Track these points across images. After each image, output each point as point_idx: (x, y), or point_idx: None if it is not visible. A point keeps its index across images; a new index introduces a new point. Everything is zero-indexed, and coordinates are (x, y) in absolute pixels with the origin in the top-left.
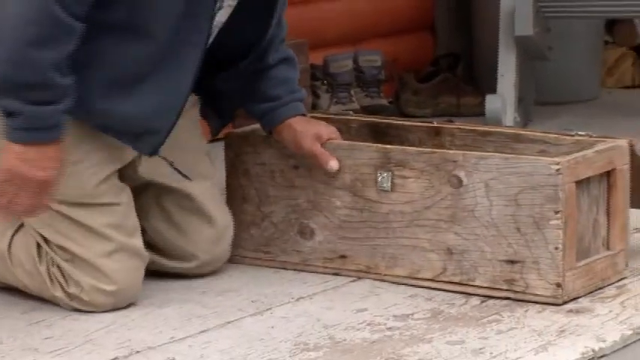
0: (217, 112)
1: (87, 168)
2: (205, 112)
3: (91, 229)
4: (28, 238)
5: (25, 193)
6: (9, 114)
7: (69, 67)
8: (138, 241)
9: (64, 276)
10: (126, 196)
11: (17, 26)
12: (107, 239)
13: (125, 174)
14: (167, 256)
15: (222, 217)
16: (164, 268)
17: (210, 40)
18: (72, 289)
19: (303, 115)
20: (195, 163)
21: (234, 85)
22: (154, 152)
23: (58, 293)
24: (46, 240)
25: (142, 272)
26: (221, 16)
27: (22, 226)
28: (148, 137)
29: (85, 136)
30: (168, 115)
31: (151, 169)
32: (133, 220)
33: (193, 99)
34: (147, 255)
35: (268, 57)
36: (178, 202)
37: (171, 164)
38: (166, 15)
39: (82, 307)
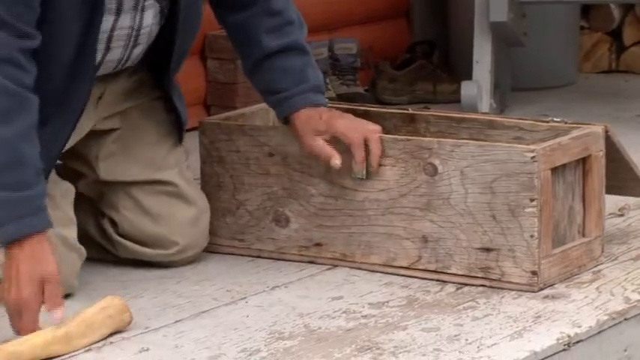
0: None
1: None
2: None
3: None
4: None
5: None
6: None
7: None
8: (70, 233)
9: None
10: (60, 191)
11: None
12: None
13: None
14: (146, 245)
15: (201, 198)
16: (144, 257)
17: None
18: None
19: (315, 105)
20: (166, 154)
21: (247, 75)
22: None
23: None
24: None
25: (76, 265)
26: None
27: None
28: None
29: None
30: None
31: (112, 170)
32: (68, 214)
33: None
34: (83, 251)
35: (263, 44)
36: (151, 190)
37: None
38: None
39: None
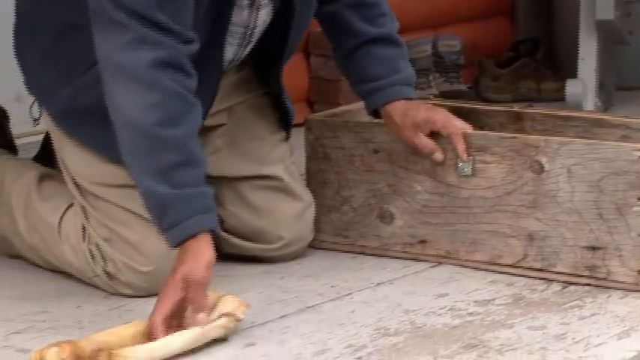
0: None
1: None
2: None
3: (129, 210)
4: (77, 215)
5: (189, 294)
6: (155, 209)
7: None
8: None
9: (102, 255)
10: None
11: (140, 111)
12: (143, 219)
13: None
14: (251, 240)
15: (306, 193)
16: (248, 252)
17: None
18: (110, 268)
19: (408, 98)
20: (271, 149)
21: (339, 66)
22: None
23: (99, 270)
24: (87, 218)
25: None
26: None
27: (73, 204)
28: None
29: None
30: None
31: (217, 165)
32: None
33: (258, 91)
34: None
35: (360, 32)
36: (257, 185)
37: None
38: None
39: (120, 289)
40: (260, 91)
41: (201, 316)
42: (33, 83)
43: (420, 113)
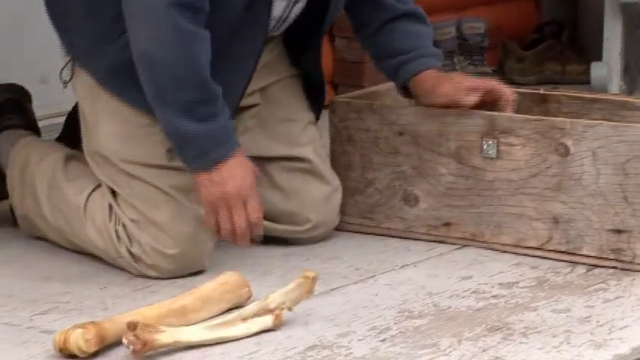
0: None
1: (160, 131)
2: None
3: (159, 189)
4: (104, 195)
5: (236, 212)
6: (183, 143)
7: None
8: None
9: (128, 236)
10: None
11: (160, 51)
12: (174, 201)
13: None
14: (277, 222)
15: (334, 177)
16: (275, 233)
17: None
18: (135, 249)
19: (438, 69)
20: (301, 131)
21: (367, 43)
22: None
23: (124, 251)
24: (115, 199)
25: (209, 244)
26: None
27: (101, 184)
28: None
29: None
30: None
31: (247, 145)
32: None
33: (291, 72)
34: None
35: (388, 7)
36: (286, 167)
37: None
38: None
39: (145, 271)
40: (293, 72)
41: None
42: (74, 44)
43: (460, 79)
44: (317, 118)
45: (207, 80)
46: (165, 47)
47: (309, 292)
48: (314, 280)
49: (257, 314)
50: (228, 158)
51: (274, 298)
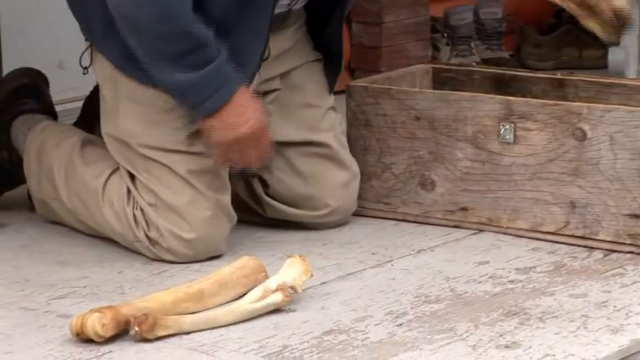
0: None
1: (181, 116)
2: None
3: (178, 174)
4: (122, 179)
5: (249, 151)
6: (182, 95)
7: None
8: (224, 198)
9: (146, 220)
10: None
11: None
12: (192, 186)
13: None
14: (296, 207)
15: (353, 163)
16: (293, 218)
17: None
18: (152, 234)
19: None
20: (322, 116)
21: None
22: None
23: (141, 235)
24: (134, 183)
25: (226, 229)
26: None
27: (119, 168)
28: None
29: None
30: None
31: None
32: (224, 178)
33: (312, 57)
34: (234, 215)
35: None
36: (305, 152)
37: None
38: None
39: (162, 255)
40: (314, 57)
41: None
42: (91, 29)
43: None
44: (331, 90)
45: (189, 30)
46: (139, 6)
47: (307, 272)
48: (303, 259)
49: (261, 298)
50: (232, 98)
51: (274, 281)
